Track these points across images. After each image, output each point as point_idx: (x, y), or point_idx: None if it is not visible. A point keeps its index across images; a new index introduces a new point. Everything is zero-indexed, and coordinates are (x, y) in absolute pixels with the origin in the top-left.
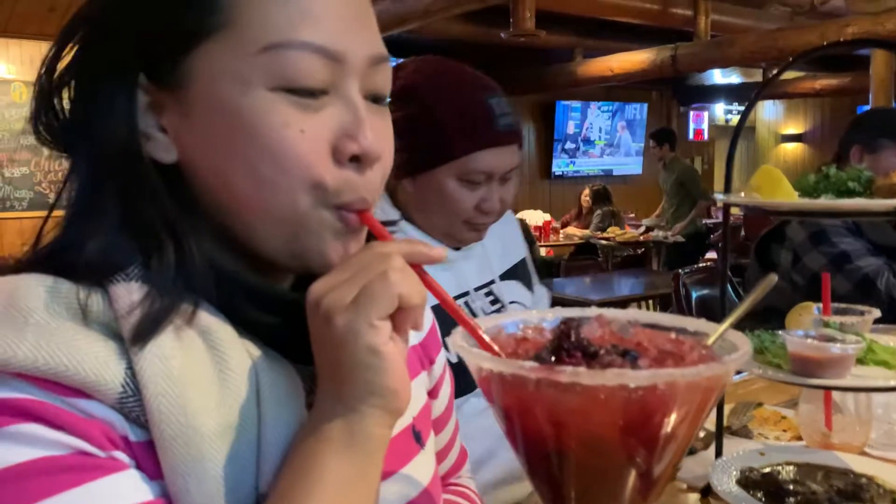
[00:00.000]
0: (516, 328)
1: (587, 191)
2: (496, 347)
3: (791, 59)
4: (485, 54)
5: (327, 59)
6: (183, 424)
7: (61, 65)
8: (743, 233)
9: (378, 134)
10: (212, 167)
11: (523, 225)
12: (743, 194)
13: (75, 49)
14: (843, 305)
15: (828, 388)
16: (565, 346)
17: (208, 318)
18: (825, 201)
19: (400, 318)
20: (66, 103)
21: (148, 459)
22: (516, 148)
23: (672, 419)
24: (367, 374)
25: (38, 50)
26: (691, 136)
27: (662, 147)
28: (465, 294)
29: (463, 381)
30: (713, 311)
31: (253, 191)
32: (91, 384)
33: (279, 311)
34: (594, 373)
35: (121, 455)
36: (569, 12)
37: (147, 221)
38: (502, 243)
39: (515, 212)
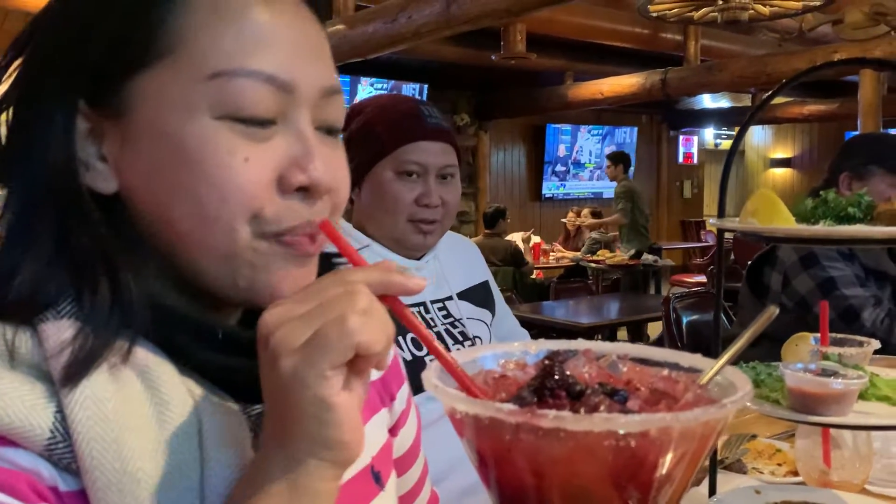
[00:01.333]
0: (496, 363)
1: (571, 214)
2: (475, 387)
3: (784, 81)
4: (475, 76)
5: (277, 89)
6: (118, 470)
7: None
8: (733, 256)
9: (329, 165)
10: (153, 198)
11: (515, 248)
12: (738, 219)
13: (14, 73)
14: (839, 336)
15: (830, 427)
16: (549, 384)
17: (146, 356)
18: (825, 228)
19: (359, 363)
20: (2, 129)
21: None
22: (449, 148)
23: (665, 467)
24: (314, 427)
25: None
26: (681, 159)
27: (617, 167)
28: (421, 304)
29: (419, 380)
30: (704, 335)
31: (194, 223)
32: (17, 431)
33: (225, 350)
34: (580, 417)
35: None
36: (560, 35)
37: (81, 254)
38: (461, 265)
39: (505, 234)
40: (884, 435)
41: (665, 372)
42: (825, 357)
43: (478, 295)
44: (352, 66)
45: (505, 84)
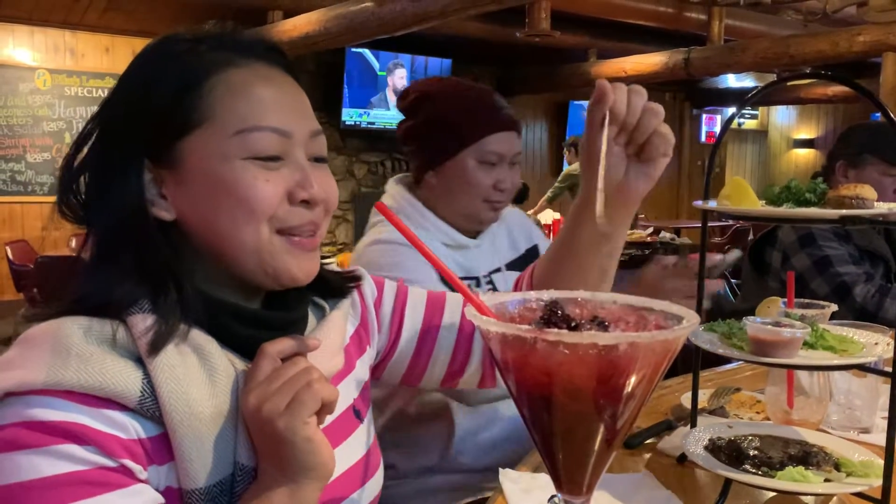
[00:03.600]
0: (515, 306)
1: None
2: (486, 306)
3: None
4: (499, 53)
5: (280, 136)
6: (186, 413)
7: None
8: (751, 236)
9: (322, 184)
10: (202, 219)
11: (535, 223)
12: (716, 202)
13: (91, 149)
14: (806, 301)
15: (777, 366)
16: (552, 319)
17: (199, 336)
18: (783, 209)
19: (321, 412)
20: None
21: (160, 450)
22: (517, 135)
23: (633, 375)
24: (304, 457)
25: (61, 38)
26: (703, 139)
27: (570, 151)
28: (474, 278)
29: None
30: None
31: (232, 230)
32: (118, 393)
33: (254, 325)
34: (572, 333)
35: (131, 464)
36: (584, 13)
37: (153, 268)
38: (508, 236)
39: (529, 209)
40: (847, 388)
41: (640, 313)
42: (787, 315)
43: (527, 262)
44: (380, 40)
45: (528, 61)
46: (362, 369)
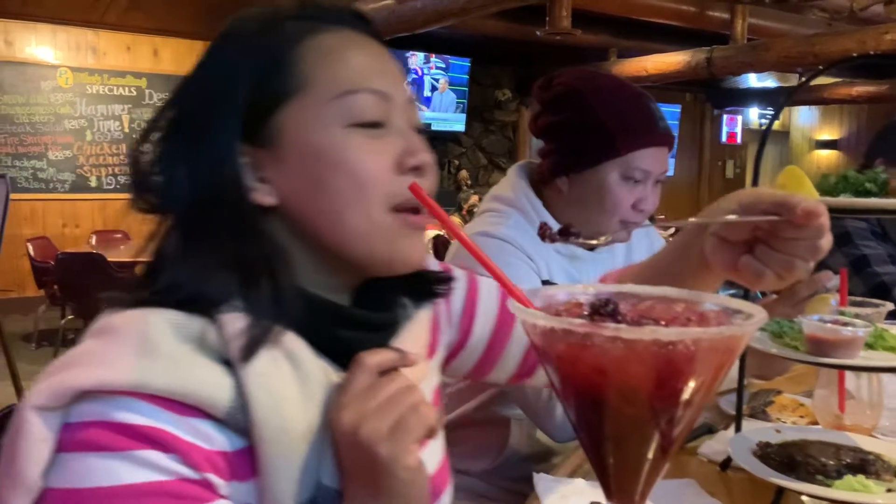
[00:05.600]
0: (563, 299)
1: None
2: (533, 302)
3: (820, 67)
4: (519, 51)
5: (381, 98)
6: (277, 427)
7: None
8: None
9: (426, 150)
10: (305, 200)
11: None
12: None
13: (172, 131)
14: (859, 299)
15: (838, 367)
16: (603, 313)
17: (291, 341)
18: (844, 199)
19: (425, 437)
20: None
21: (243, 465)
22: (668, 151)
23: (694, 375)
24: (403, 488)
25: (83, 37)
26: (724, 139)
27: None
28: None
29: None
30: None
31: (339, 211)
32: (207, 401)
33: (351, 325)
34: (633, 329)
35: (213, 478)
36: (605, 12)
37: (248, 260)
38: (627, 249)
39: None
40: None
41: (700, 308)
42: (842, 314)
43: None
44: (398, 39)
45: (548, 59)
46: (434, 373)
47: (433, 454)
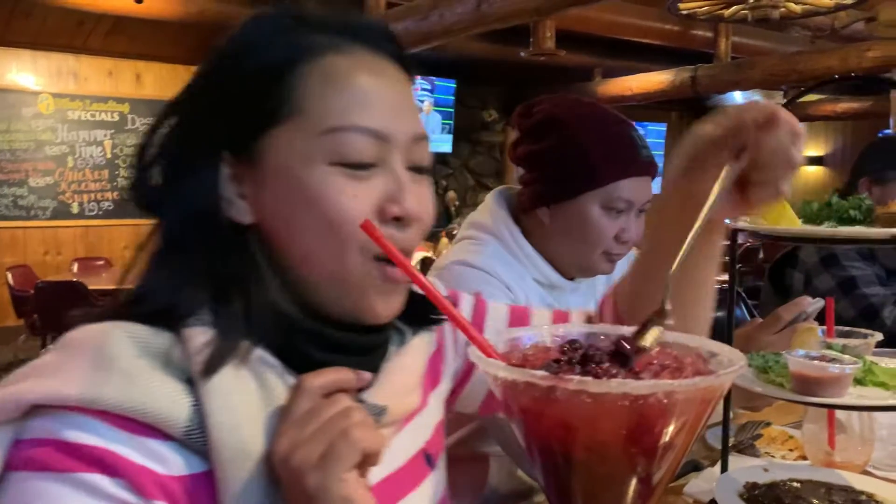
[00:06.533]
0: (528, 343)
1: None
2: (491, 345)
3: (804, 85)
4: (505, 72)
5: (376, 139)
6: (238, 449)
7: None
8: (762, 255)
9: (418, 199)
10: (279, 228)
11: None
12: (748, 220)
13: (168, 132)
14: (846, 328)
15: (826, 406)
16: (570, 359)
17: (260, 358)
18: (827, 228)
19: (363, 464)
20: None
21: (203, 490)
22: (651, 180)
23: (671, 428)
24: None
25: (65, 62)
26: None
27: None
28: None
29: None
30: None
31: (311, 248)
32: (163, 420)
33: (329, 347)
34: (600, 381)
35: None
36: (589, 32)
37: (221, 275)
38: (608, 279)
39: None
40: (891, 423)
41: (674, 351)
42: (828, 347)
43: None
44: None
45: (533, 81)
46: (436, 406)
47: (427, 489)
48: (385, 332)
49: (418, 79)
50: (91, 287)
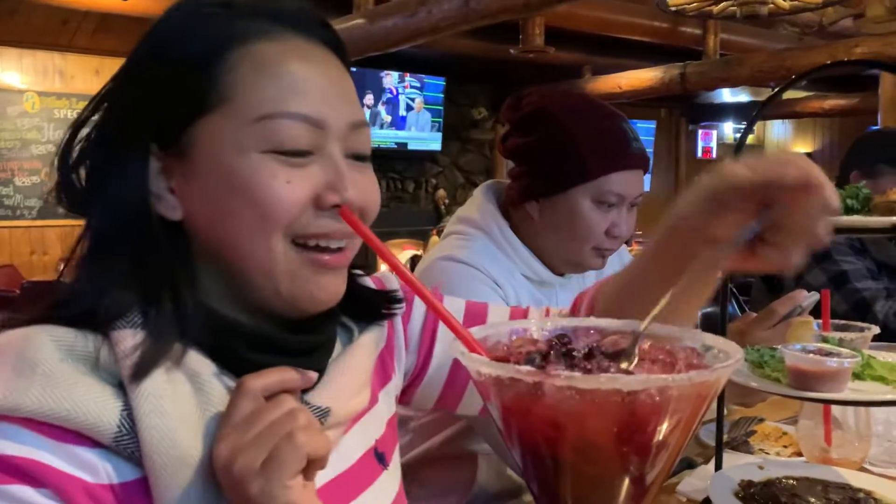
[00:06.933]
0: (512, 337)
1: None
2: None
3: (793, 77)
4: (494, 70)
5: (311, 126)
6: (171, 455)
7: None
8: None
9: (359, 187)
10: (210, 221)
11: None
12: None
13: (94, 127)
14: (842, 322)
15: (824, 402)
16: (556, 353)
17: (196, 361)
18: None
19: (309, 467)
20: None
21: (136, 498)
22: (643, 173)
23: (664, 425)
24: None
25: (51, 61)
26: (699, 154)
27: None
28: None
29: None
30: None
31: (241, 240)
32: (90, 426)
33: (266, 348)
34: (588, 378)
35: None
36: (578, 29)
37: (150, 273)
38: (598, 275)
39: None
40: (886, 419)
41: (667, 346)
42: (825, 340)
43: None
44: (373, 59)
45: (523, 77)
46: (386, 403)
47: (381, 488)
48: (329, 331)
49: (408, 76)
50: None
